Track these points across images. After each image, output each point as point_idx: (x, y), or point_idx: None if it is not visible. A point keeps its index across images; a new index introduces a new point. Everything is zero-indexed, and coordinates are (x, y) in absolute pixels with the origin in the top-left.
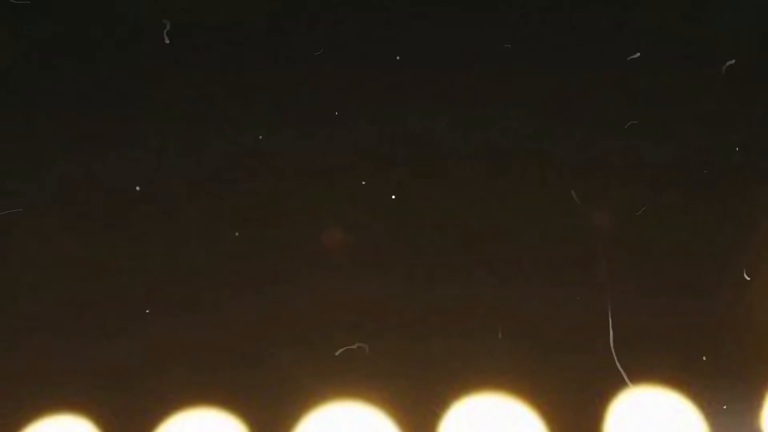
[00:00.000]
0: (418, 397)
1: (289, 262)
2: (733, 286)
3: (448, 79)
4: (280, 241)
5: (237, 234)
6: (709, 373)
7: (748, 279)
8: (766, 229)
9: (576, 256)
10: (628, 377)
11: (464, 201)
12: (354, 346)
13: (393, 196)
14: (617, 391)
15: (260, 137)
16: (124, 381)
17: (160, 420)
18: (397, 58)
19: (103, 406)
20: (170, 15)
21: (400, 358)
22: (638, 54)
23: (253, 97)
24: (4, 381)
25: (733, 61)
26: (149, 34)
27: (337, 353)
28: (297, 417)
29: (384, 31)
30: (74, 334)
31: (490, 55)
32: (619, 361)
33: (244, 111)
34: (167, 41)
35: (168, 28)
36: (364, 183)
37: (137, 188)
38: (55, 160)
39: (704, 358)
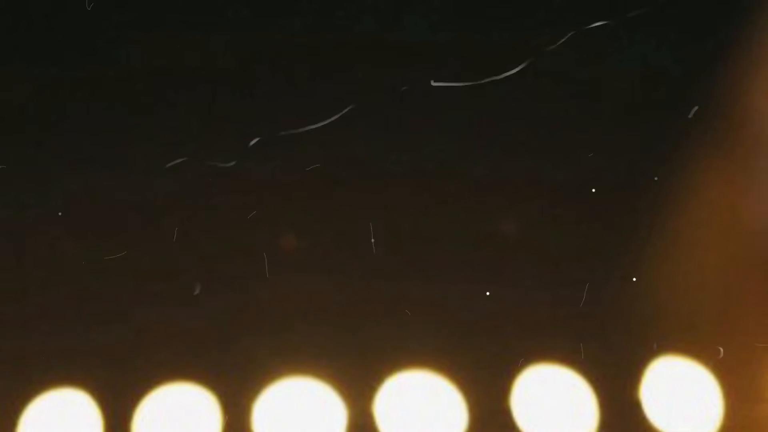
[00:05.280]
0: (358, 374)
1: (253, 263)
2: (619, 282)
3: (383, 112)
4: (245, 245)
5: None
6: (597, 354)
7: (634, 279)
8: (645, 236)
9: (487, 257)
10: (527, 360)
11: (395, 212)
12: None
13: (339, 208)
14: (522, 368)
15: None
16: (116, 361)
17: (145, 393)
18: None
19: (98, 381)
20: (157, 60)
21: (343, 341)
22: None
23: (223, 127)
24: (16, 361)
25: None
26: (139, 77)
27: None
28: (258, 390)
29: (331, 72)
30: (75, 321)
31: (418, 93)
32: (522, 343)
33: (216, 139)
34: None
35: None
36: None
37: None
38: (60, 177)
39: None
